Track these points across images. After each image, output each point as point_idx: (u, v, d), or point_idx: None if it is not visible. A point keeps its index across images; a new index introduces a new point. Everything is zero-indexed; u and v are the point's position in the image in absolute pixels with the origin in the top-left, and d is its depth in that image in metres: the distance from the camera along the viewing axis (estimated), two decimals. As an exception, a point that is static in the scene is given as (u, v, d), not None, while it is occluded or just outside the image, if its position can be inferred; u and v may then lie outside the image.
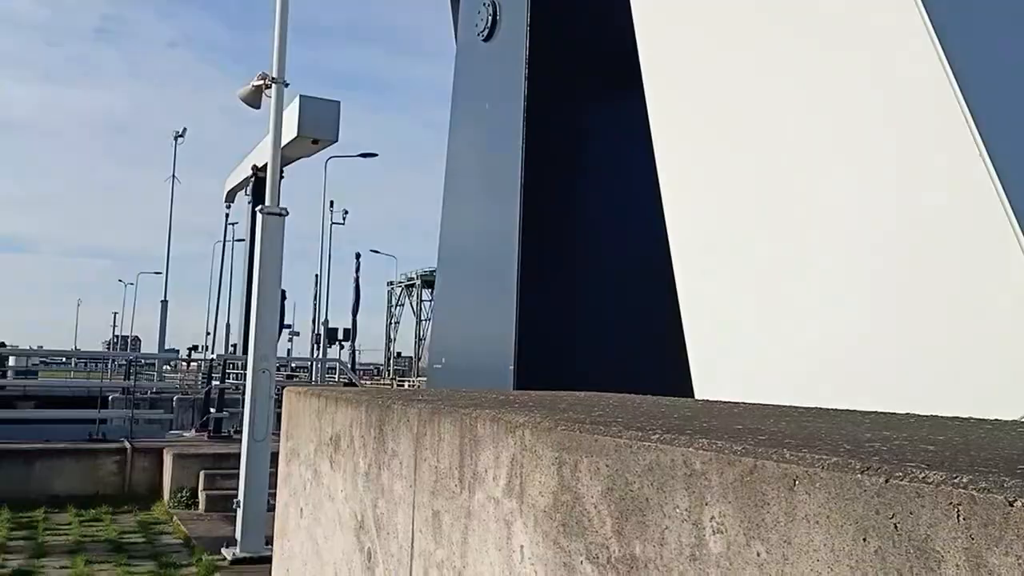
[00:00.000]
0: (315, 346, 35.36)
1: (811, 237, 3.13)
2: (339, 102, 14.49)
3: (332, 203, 35.90)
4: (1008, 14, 3.10)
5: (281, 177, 7.98)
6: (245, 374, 7.58)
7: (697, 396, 3.47)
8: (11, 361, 25.11)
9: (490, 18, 7.74)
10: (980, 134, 2.53)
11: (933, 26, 2.74)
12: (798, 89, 3.22)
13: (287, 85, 7.17)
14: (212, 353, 24.85)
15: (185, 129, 32.49)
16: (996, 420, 1.64)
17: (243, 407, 7.48)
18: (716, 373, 3.48)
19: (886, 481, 0.89)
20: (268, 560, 3.37)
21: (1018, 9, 3.12)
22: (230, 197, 23.04)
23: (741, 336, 3.43)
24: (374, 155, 32.50)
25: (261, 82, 7.03)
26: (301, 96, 13.25)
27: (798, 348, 3.14)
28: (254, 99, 7.11)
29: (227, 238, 25.34)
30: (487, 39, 7.86)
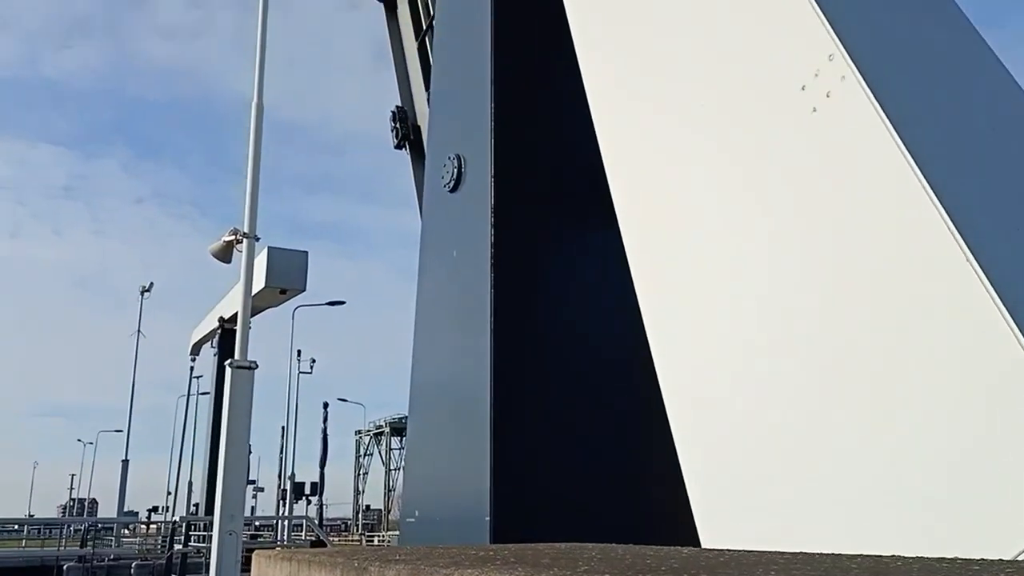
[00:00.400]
0: (281, 502, 34.16)
1: (812, 384, 3.13)
2: (306, 252, 14.75)
3: (299, 352, 35.74)
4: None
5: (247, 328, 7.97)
6: (210, 536, 7.28)
7: (700, 532, 3.38)
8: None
9: (455, 171, 8.02)
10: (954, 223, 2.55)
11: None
12: (780, 219, 3.30)
13: (258, 239, 7.29)
14: (174, 514, 23.83)
15: (152, 284, 32.60)
16: (982, 560, 1.63)
17: (208, 573, 7.12)
18: (721, 513, 3.41)
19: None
20: None
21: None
22: (195, 350, 22.82)
23: (743, 473, 3.37)
24: (342, 303, 32.71)
25: (232, 237, 7.14)
26: (269, 247, 13.47)
27: (801, 489, 3.09)
28: (225, 254, 7.20)
29: (191, 392, 24.92)
30: (453, 190, 8.10)
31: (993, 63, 3.19)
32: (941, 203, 2.59)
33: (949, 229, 2.54)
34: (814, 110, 3.16)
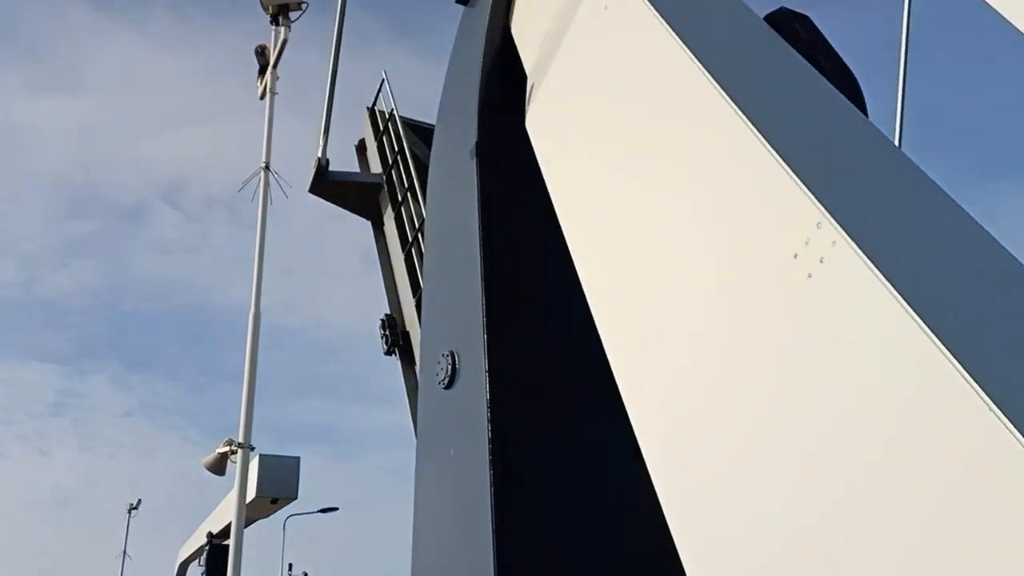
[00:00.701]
0: None
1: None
2: (298, 458, 14.40)
3: (291, 566, 34.10)
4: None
5: (242, 544, 7.64)
6: None
7: None
8: None
9: (450, 367, 8.05)
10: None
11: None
12: (792, 391, 3.28)
13: (253, 449, 7.17)
14: None
15: (140, 501, 31.60)
16: None
17: None
18: None
19: None
20: None
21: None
22: (182, 569, 21.72)
23: None
24: (334, 509, 31.66)
25: (227, 448, 7.03)
26: (260, 454, 13.12)
27: None
28: (219, 467, 7.06)
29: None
30: (448, 387, 8.09)
31: (975, 227, 3.34)
32: (954, 356, 2.60)
33: (967, 382, 2.54)
34: (809, 276, 3.25)
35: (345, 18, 9.40)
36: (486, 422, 7.31)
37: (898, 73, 6.48)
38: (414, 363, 11.14)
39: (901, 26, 6.46)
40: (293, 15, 10.07)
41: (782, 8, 6.87)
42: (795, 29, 6.20)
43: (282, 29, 10.00)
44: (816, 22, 6.96)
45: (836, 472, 3.04)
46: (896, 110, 6.37)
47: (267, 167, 9.47)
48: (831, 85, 4.45)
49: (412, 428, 9.99)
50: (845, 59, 6.69)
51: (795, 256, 3.35)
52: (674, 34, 4.55)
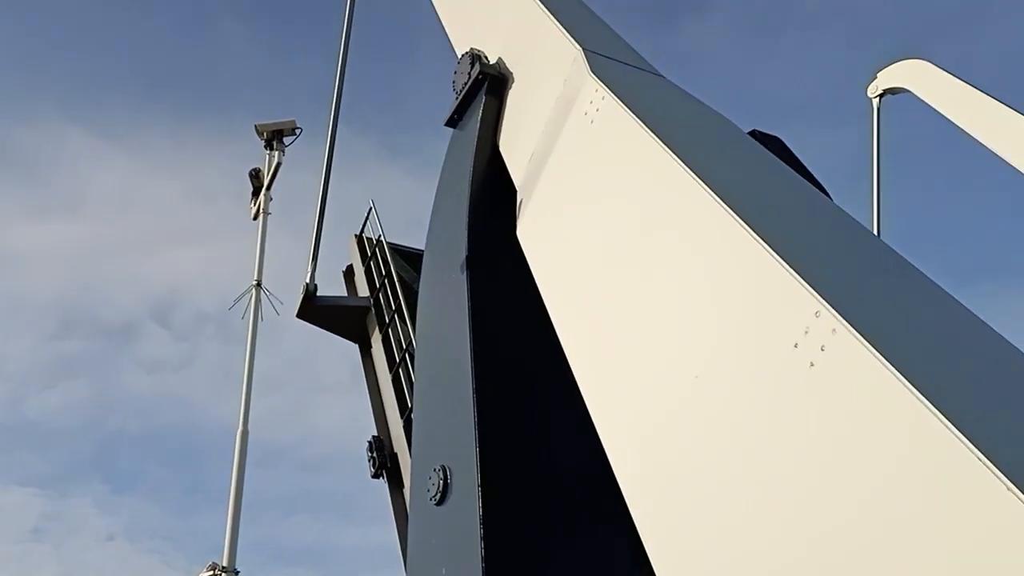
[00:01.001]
0: None
1: None
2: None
3: None
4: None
5: None
6: None
7: None
8: None
9: (441, 482, 7.88)
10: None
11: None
12: (802, 483, 3.25)
13: (237, 573, 6.90)
14: None
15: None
16: None
17: None
18: None
19: None
20: None
21: None
22: None
23: None
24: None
25: (210, 573, 6.76)
26: (245, 582, 12.62)
27: None
28: (201, 591, 6.77)
29: None
30: (439, 503, 7.90)
31: (961, 308, 3.43)
32: (968, 437, 2.59)
33: (983, 463, 2.52)
34: (812, 365, 3.27)
35: (335, 144, 9.73)
36: (479, 539, 7.09)
37: (872, 180, 6.76)
38: (402, 486, 10.89)
39: (872, 139, 6.79)
40: (287, 139, 10.43)
41: (754, 130, 7.24)
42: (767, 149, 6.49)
43: (276, 153, 10.32)
44: (786, 142, 7.34)
45: (850, 564, 2.99)
46: (873, 212, 6.61)
47: (259, 284, 9.58)
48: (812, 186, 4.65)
49: (401, 551, 9.68)
50: (816, 176, 7.01)
51: (795, 346, 3.38)
52: (661, 142, 4.75)
